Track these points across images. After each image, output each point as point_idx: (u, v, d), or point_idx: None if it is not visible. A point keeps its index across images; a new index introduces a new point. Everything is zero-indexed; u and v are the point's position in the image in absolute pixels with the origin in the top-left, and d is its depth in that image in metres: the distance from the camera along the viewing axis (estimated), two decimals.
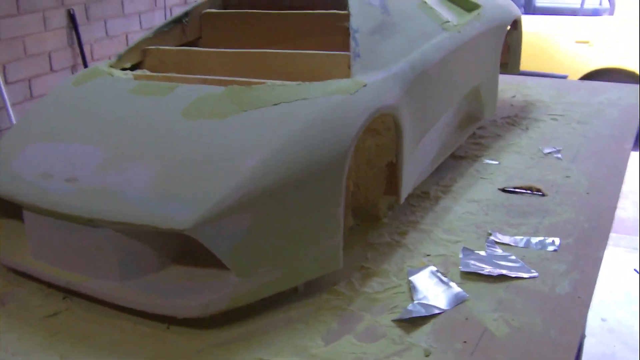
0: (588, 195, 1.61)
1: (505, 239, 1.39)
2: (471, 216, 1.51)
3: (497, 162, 1.82)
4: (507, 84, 2.56)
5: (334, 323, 1.14)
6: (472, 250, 1.35)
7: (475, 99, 1.92)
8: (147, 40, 1.63)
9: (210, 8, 1.75)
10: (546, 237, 1.40)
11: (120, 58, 1.59)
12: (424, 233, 1.44)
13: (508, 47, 2.23)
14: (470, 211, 1.54)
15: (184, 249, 1.20)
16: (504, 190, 1.64)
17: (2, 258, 1.30)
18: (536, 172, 1.75)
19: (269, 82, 1.33)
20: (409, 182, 1.48)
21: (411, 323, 1.13)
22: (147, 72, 1.55)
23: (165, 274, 1.18)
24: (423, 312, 1.14)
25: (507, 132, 2.06)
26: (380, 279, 1.26)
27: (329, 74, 1.41)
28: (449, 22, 1.73)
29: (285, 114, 1.21)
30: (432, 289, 1.21)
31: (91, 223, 1.13)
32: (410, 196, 1.60)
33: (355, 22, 1.45)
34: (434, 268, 1.28)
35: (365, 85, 1.30)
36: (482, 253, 1.34)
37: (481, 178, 1.72)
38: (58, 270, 1.22)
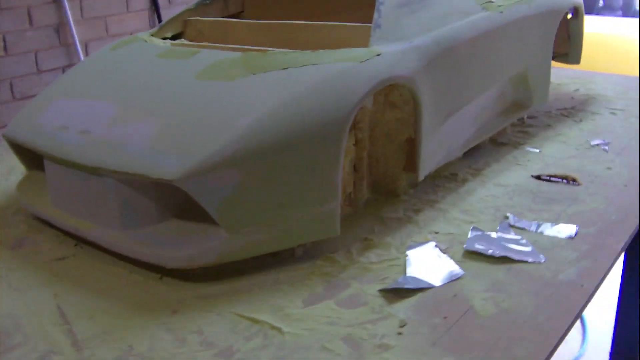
0: (626, 187, 1.52)
1: (522, 223, 1.34)
2: (494, 199, 1.46)
3: (538, 150, 1.75)
4: (572, 78, 2.45)
5: (319, 288, 1.14)
6: (483, 231, 1.30)
7: (523, 85, 1.85)
8: (189, 12, 1.68)
9: None
10: (565, 224, 1.33)
11: (162, 27, 1.64)
12: (439, 212, 1.40)
13: (569, 36, 2.14)
14: (494, 194, 1.48)
15: (189, 205, 1.23)
16: (537, 177, 1.57)
17: (27, 205, 1.39)
18: (576, 162, 1.67)
19: (288, 50, 1.35)
20: (430, 160, 1.44)
21: (397, 295, 1.11)
22: (185, 41, 1.60)
23: (164, 227, 1.22)
24: (410, 285, 1.12)
25: (559, 123, 1.97)
26: (379, 251, 1.25)
27: (352, 44, 1.41)
28: (491, 2, 1.68)
29: (290, 78, 1.22)
30: (427, 264, 1.18)
31: (96, 172, 1.18)
32: (437, 177, 1.57)
33: None
34: (434, 244, 1.25)
35: (379, 55, 1.29)
36: (493, 235, 1.29)
37: (517, 164, 1.66)
38: (70, 218, 1.28)
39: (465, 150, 1.63)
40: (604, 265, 1.19)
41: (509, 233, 1.30)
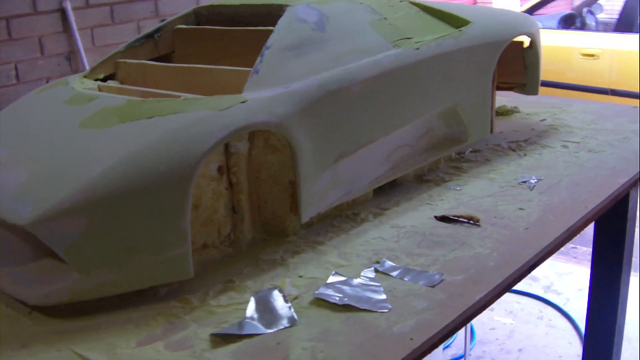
0: (526, 230, 1.49)
1: (389, 269, 1.34)
2: (380, 242, 1.46)
3: (458, 188, 1.73)
4: (546, 107, 2.39)
5: (159, 329, 1.19)
6: (344, 277, 1.32)
7: (455, 120, 1.84)
8: (119, 54, 1.77)
9: (183, 24, 1.85)
10: (433, 272, 1.32)
11: (94, 69, 1.74)
12: (318, 254, 1.42)
13: (525, 66, 2.09)
14: (384, 236, 1.49)
15: None
16: (440, 218, 1.56)
17: None
18: (491, 201, 1.64)
19: (183, 95, 1.41)
20: (317, 201, 1.47)
21: (225, 340, 1.15)
22: (113, 84, 1.69)
23: (37, 265, 1.30)
24: (240, 331, 1.15)
25: (500, 157, 1.93)
26: (234, 294, 1.28)
27: (239, 89, 1.45)
28: (409, 38, 1.68)
29: (149, 127, 1.28)
30: (267, 310, 1.21)
31: None
32: (337, 216, 1.59)
33: (272, 38, 1.48)
34: (280, 289, 1.27)
35: (244, 102, 1.33)
36: (356, 280, 1.31)
37: (427, 203, 1.65)
38: None
39: (374, 187, 1.64)
40: (448, 318, 1.18)
41: (371, 279, 1.31)
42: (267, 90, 1.39)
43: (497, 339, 3.42)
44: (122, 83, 1.73)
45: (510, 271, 1.33)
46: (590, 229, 1.93)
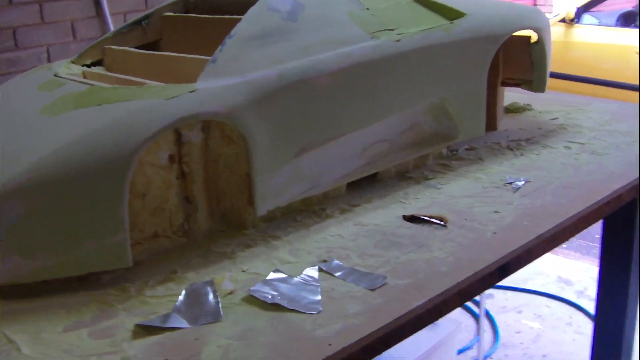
0: (494, 235, 1.42)
1: (335, 269, 1.30)
2: (336, 240, 1.42)
3: (439, 187, 1.66)
4: (562, 105, 2.27)
5: (88, 315, 1.19)
6: (284, 274, 1.28)
7: (444, 117, 1.76)
8: (107, 40, 1.78)
9: (172, 11, 1.84)
10: (377, 274, 1.27)
11: (82, 54, 1.76)
12: (270, 249, 1.40)
13: (532, 62, 1.99)
14: (343, 234, 1.44)
15: None
16: (408, 217, 1.51)
17: None
18: (467, 202, 1.57)
19: (149, 83, 1.41)
20: (272, 194, 1.44)
21: (147, 331, 1.14)
22: (98, 70, 1.70)
23: None
24: (159, 323, 1.14)
25: (494, 157, 1.85)
26: (172, 285, 1.27)
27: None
28: (391, 30, 1.62)
29: (94, 114, 1.28)
30: (196, 304, 1.20)
31: None
32: (304, 211, 1.55)
33: (237, 27, 1.45)
34: (213, 283, 1.25)
35: (192, 91, 1.31)
36: (296, 279, 1.27)
37: (400, 202, 1.59)
38: None
39: (345, 182, 1.59)
40: (374, 325, 1.13)
41: (312, 279, 1.27)
42: (221, 80, 1.36)
43: (521, 343, 3.31)
44: (108, 69, 1.74)
45: (461, 278, 1.27)
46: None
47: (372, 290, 1.23)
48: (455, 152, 1.88)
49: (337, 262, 1.33)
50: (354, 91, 1.55)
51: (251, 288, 1.24)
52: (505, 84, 2.09)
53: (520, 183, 1.66)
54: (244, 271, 1.32)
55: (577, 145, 1.91)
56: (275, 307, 1.19)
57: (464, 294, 1.27)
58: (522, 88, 2.06)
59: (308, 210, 1.55)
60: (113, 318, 1.18)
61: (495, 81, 2.01)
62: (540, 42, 1.96)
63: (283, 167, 1.45)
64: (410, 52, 1.64)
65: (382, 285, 1.24)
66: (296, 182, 1.49)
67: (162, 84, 1.37)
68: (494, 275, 1.33)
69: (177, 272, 1.32)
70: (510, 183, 1.67)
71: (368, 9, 1.68)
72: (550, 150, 1.88)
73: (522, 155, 1.85)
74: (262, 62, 1.42)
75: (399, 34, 1.64)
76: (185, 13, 1.86)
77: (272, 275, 1.28)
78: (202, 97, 1.31)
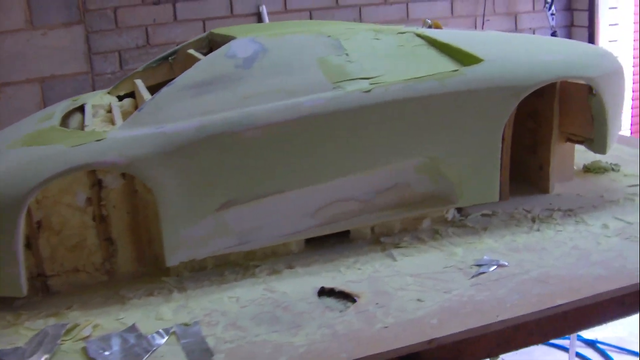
0: (379, 330, 1.20)
1: (187, 335, 1.24)
2: (229, 304, 1.34)
3: (396, 260, 1.46)
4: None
5: None
6: (138, 331, 1.26)
7: (441, 178, 1.53)
8: (137, 74, 1.91)
9: (196, 48, 1.89)
10: (213, 351, 1.18)
11: (117, 86, 1.92)
12: (163, 301, 1.38)
13: (592, 117, 1.61)
14: (241, 298, 1.36)
15: None
16: (326, 290, 1.36)
17: None
18: (406, 281, 1.36)
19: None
20: (188, 246, 1.42)
21: None
22: (127, 102, 1.85)
23: None
24: None
25: (501, 229, 1.56)
26: (54, 320, 1.33)
27: None
28: (366, 79, 1.47)
29: (14, 155, 1.40)
30: (39, 343, 1.24)
31: None
32: (239, 265, 1.50)
33: (183, 75, 1.47)
34: (65, 325, 1.28)
35: (99, 140, 1.35)
36: (140, 339, 1.25)
37: (338, 271, 1.44)
38: None
39: (295, 239, 1.50)
40: None
41: (151, 342, 1.23)
42: (137, 129, 1.38)
43: None
44: (137, 102, 1.87)
45: None
46: None
47: None
48: (463, 218, 1.61)
49: (198, 328, 1.27)
50: (297, 146, 1.44)
51: (89, 340, 1.25)
52: (571, 140, 1.72)
53: (491, 268, 1.37)
54: (117, 319, 1.33)
55: (622, 224, 1.50)
56: None
57: None
58: (586, 147, 1.68)
59: (241, 265, 1.49)
60: None
61: (544, 137, 1.68)
62: (598, 94, 1.57)
63: (203, 220, 1.42)
64: (384, 105, 1.46)
65: None
66: (220, 236, 1.45)
67: (85, 131, 1.44)
68: None
69: (72, 307, 1.38)
70: (480, 265, 1.39)
71: (347, 54, 1.54)
72: (580, 227, 1.51)
73: (537, 230, 1.52)
74: (188, 113, 1.41)
75: (374, 84, 1.47)
76: (209, 49, 1.90)
77: (122, 332, 1.27)
78: (104, 147, 1.35)
